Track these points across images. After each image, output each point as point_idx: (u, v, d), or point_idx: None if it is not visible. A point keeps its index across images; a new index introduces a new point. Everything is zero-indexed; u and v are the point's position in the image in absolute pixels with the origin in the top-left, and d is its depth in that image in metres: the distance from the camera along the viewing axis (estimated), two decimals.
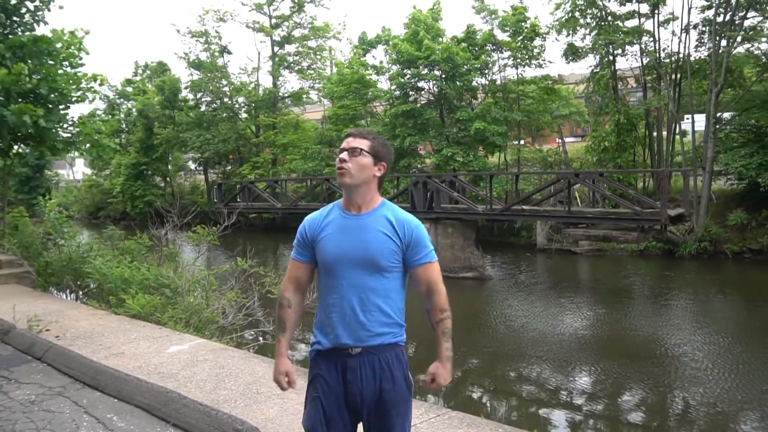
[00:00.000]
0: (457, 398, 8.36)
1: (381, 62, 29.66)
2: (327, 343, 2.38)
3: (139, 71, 44.07)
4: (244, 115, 35.55)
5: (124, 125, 41.23)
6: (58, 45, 10.30)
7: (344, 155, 2.36)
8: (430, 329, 2.45)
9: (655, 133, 23.76)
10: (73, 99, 10.53)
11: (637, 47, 23.14)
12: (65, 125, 10.75)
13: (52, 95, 9.94)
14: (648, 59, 23.03)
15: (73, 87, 10.42)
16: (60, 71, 10.34)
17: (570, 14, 23.40)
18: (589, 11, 23.20)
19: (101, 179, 44.46)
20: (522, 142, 28.78)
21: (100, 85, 11.16)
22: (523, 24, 25.04)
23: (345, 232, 2.36)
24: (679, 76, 22.39)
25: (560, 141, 28.62)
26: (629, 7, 23.11)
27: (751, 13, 19.96)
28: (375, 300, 2.33)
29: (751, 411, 7.67)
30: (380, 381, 2.32)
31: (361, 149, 2.36)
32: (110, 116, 40.19)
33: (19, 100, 9.41)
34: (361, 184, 2.37)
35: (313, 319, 2.49)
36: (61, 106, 10.36)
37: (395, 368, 2.35)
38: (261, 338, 8.55)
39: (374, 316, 2.33)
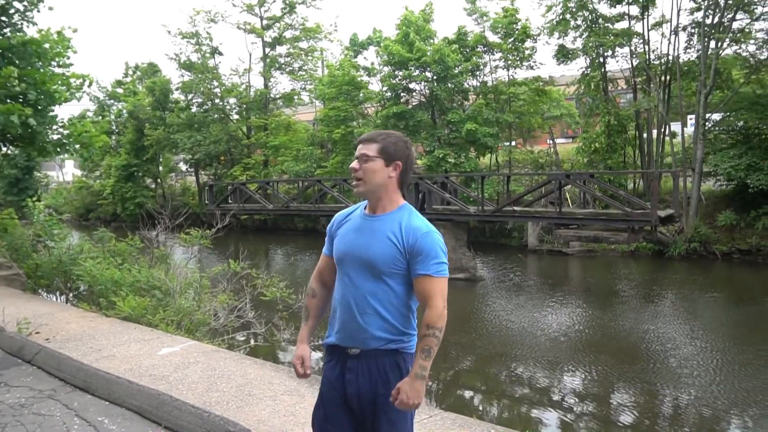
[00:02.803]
0: (449, 399, 8.38)
1: (372, 64, 29.73)
2: (332, 339, 2.41)
3: (130, 72, 43.84)
4: (236, 117, 35.49)
5: (114, 127, 41.02)
6: (46, 45, 10.25)
7: (355, 164, 2.35)
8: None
9: (645, 135, 23.92)
10: (62, 99, 10.48)
11: (627, 49, 23.30)
12: (55, 126, 10.71)
13: (41, 98, 9.89)
14: (638, 61, 23.18)
15: (63, 88, 10.38)
16: (48, 73, 10.29)
17: (561, 16, 23.52)
18: (579, 14, 23.33)
19: (91, 181, 44.22)
20: (513, 143, 28.87)
21: (89, 85, 11.13)
22: (514, 26, 25.13)
23: (357, 232, 2.38)
24: (668, 77, 22.55)
25: (551, 142, 28.74)
26: (619, 9, 23.28)
27: (739, 15, 20.16)
28: (372, 303, 2.30)
29: (739, 411, 7.73)
30: (376, 385, 2.30)
31: (369, 155, 2.32)
32: (100, 117, 40.00)
33: (8, 101, 9.36)
34: (375, 190, 2.34)
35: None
36: (50, 108, 10.31)
37: (392, 375, 2.30)
38: (253, 340, 8.54)
39: (371, 319, 2.30)
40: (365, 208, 2.43)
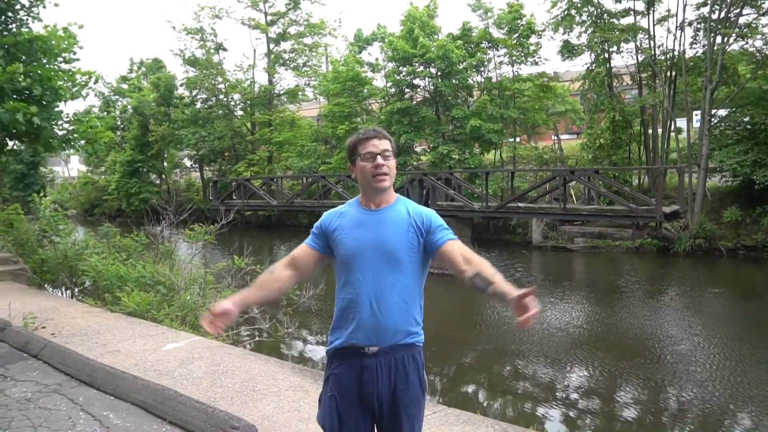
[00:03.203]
0: (453, 395, 8.38)
1: (376, 59, 29.66)
2: (343, 341, 2.34)
3: (135, 68, 43.96)
4: (240, 113, 35.51)
5: (119, 122, 41.13)
6: (52, 42, 10.28)
7: (380, 159, 2.34)
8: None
9: (650, 131, 23.81)
10: (68, 96, 10.52)
11: (632, 45, 23.19)
12: (60, 122, 10.75)
13: (46, 93, 9.92)
14: (643, 57, 23.05)
15: (68, 84, 10.41)
16: (55, 68, 10.33)
17: (566, 12, 23.41)
18: (584, 9, 23.20)
19: (96, 176, 44.38)
20: (518, 139, 28.80)
21: (95, 82, 11.16)
22: (519, 21, 25.03)
23: (363, 227, 2.35)
24: (674, 73, 22.43)
25: (556, 138, 28.67)
26: (625, 4, 23.16)
27: (746, 10, 20.00)
28: (393, 296, 2.29)
29: (744, 408, 7.71)
30: (394, 381, 2.29)
31: (391, 150, 2.38)
32: (105, 113, 40.09)
33: (14, 96, 9.40)
34: (391, 185, 2.41)
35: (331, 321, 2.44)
36: (55, 104, 10.34)
37: (410, 369, 2.32)
38: (257, 336, 8.55)
39: (392, 313, 2.29)
40: (360, 205, 2.42)
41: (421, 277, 2.39)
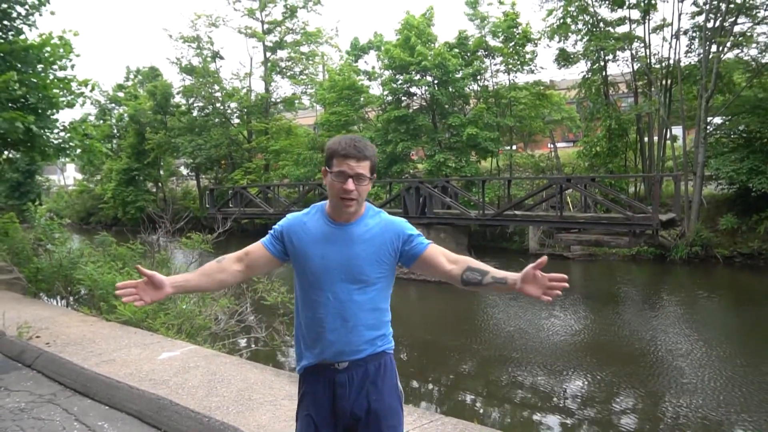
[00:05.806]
0: (450, 404, 8.35)
1: (373, 68, 29.76)
2: (312, 360, 2.27)
3: (131, 76, 43.99)
4: (236, 121, 35.52)
5: (115, 130, 41.14)
6: (47, 49, 10.28)
7: (350, 185, 2.14)
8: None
9: (646, 139, 23.89)
10: (63, 104, 10.51)
11: (628, 53, 23.31)
12: (56, 131, 10.74)
13: (42, 102, 9.92)
14: (639, 65, 23.17)
15: (64, 92, 10.41)
16: (50, 76, 10.33)
17: (561, 20, 23.53)
18: (580, 17, 23.33)
19: (92, 185, 44.31)
20: (514, 147, 28.86)
21: (91, 90, 11.17)
22: (515, 30, 25.15)
23: (330, 242, 2.22)
24: (669, 81, 22.53)
25: (552, 146, 28.74)
26: (620, 13, 23.29)
27: (740, 19, 20.14)
28: (361, 315, 2.23)
29: (742, 416, 7.69)
30: (368, 392, 2.23)
31: (366, 175, 2.17)
32: (101, 121, 40.09)
33: (9, 105, 9.39)
34: (362, 204, 2.27)
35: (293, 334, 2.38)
36: (50, 112, 10.34)
37: (379, 377, 2.26)
38: (253, 344, 8.52)
39: (361, 332, 2.23)
40: (327, 215, 2.27)
41: (389, 288, 2.32)
